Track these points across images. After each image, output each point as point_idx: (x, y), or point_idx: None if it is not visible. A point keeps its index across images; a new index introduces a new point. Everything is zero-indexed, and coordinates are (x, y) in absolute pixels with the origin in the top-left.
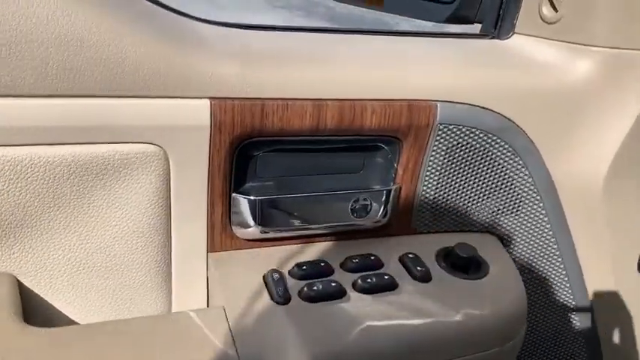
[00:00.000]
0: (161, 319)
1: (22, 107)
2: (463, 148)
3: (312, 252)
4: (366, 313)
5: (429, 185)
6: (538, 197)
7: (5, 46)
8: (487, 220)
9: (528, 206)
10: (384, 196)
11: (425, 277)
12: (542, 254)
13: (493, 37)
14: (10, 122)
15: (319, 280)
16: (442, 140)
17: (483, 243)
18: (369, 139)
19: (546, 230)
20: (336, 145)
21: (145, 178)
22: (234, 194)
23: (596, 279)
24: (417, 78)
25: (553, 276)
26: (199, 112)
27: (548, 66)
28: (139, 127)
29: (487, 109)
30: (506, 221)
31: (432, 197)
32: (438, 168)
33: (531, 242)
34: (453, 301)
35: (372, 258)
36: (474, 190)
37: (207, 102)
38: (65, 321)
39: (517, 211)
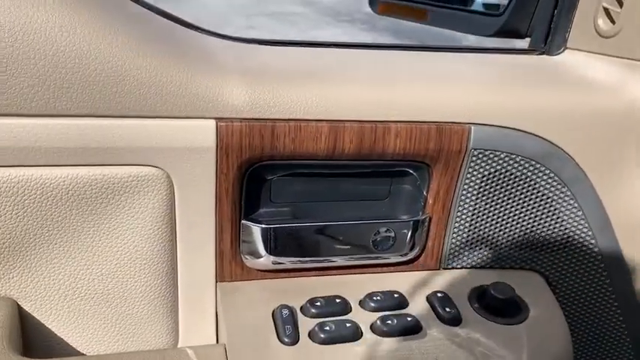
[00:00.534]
0: (156, 354)
1: (18, 127)
2: (501, 176)
3: (328, 286)
4: (381, 359)
5: (463, 216)
6: (589, 233)
7: (2, 64)
8: (529, 256)
9: (578, 242)
10: (411, 228)
11: (454, 320)
12: (593, 297)
13: (542, 53)
14: (6, 142)
15: (333, 319)
16: (477, 167)
17: (524, 282)
18: (395, 163)
19: (599, 270)
20: (359, 169)
21: (147, 203)
22: (244, 221)
23: None
24: (447, 97)
25: (605, 323)
26: (204, 133)
27: (602, 85)
28: (140, 148)
29: (529, 132)
30: (551, 258)
31: (465, 229)
32: (473, 197)
33: (581, 283)
34: (486, 349)
35: (396, 296)
36: (513, 222)
37: (212, 123)
38: (67, 349)
39: (564, 247)
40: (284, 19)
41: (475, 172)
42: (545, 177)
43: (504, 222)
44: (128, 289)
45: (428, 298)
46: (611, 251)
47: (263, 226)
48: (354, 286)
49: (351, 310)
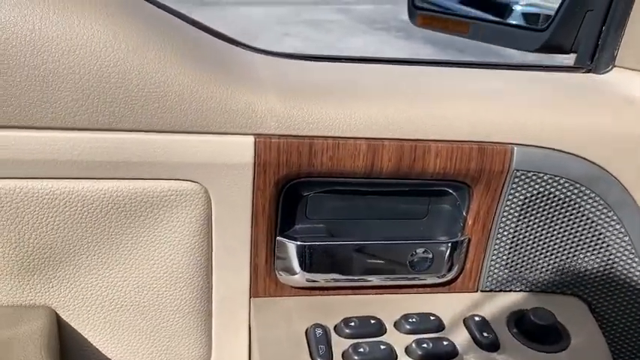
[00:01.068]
0: None
1: (62, 140)
2: (544, 198)
3: (364, 305)
4: None
5: (503, 238)
6: (636, 259)
7: (48, 78)
8: (571, 281)
9: (623, 268)
10: (449, 249)
11: (492, 346)
12: (638, 326)
13: (589, 71)
14: (49, 155)
15: (368, 340)
16: (519, 189)
17: (565, 308)
18: (434, 183)
19: None
20: (397, 187)
21: (185, 217)
22: (279, 238)
23: None
24: (490, 117)
25: None
26: (243, 149)
27: None
28: (179, 163)
29: (575, 154)
30: (594, 284)
31: (505, 252)
32: (514, 219)
33: (625, 311)
34: None
35: (432, 318)
36: (556, 246)
37: (251, 139)
38: (102, 359)
39: (609, 272)
40: (319, 27)
41: (517, 194)
42: (590, 200)
43: (546, 245)
44: (163, 301)
45: (465, 322)
46: None
47: (298, 243)
48: (389, 307)
49: (385, 332)
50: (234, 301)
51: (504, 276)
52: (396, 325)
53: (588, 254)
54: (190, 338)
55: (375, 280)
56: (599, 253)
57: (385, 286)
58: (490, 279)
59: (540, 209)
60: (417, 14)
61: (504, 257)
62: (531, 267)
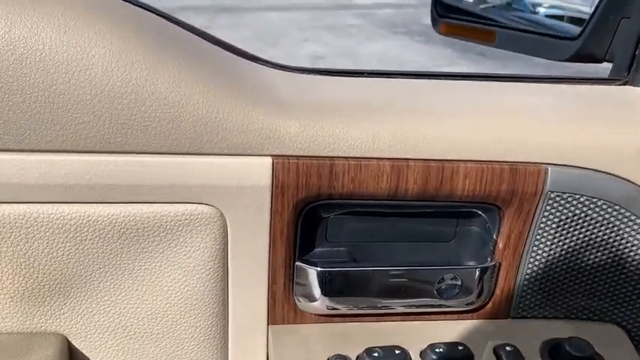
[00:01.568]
0: None
1: (71, 163)
2: (580, 221)
3: (387, 334)
4: None
5: (536, 262)
6: None
7: (59, 99)
8: (609, 307)
9: None
10: (479, 274)
11: None
12: None
13: (625, 83)
14: (59, 179)
15: None
16: (553, 211)
17: (603, 336)
18: (463, 205)
19: None
20: (423, 209)
21: (200, 241)
22: (298, 263)
23: None
24: (522, 135)
25: None
26: (260, 171)
27: None
28: (194, 186)
29: (613, 174)
30: (635, 310)
31: (538, 277)
32: (549, 243)
33: None
34: None
35: (460, 348)
36: (593, 270)
37: (268, 160)
38: None
39: None
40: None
41: (551, 217)
42: (630, 223)
43: (582, 270)
44: (177, 329)
45: (495, 351)
46: None
47: (319, 269)
48: (414, 335)
49: None
50: (251, 329)
51: (537, 302)
52: (422, 355)
53: (628, 279)
54: None
55: (399, 307)
56: (638, 277)
57: (410, 313)
58: (522, 305)
59: (576, 232)
60: (440, 22)
61: (537, 282)
62: (566, 292)
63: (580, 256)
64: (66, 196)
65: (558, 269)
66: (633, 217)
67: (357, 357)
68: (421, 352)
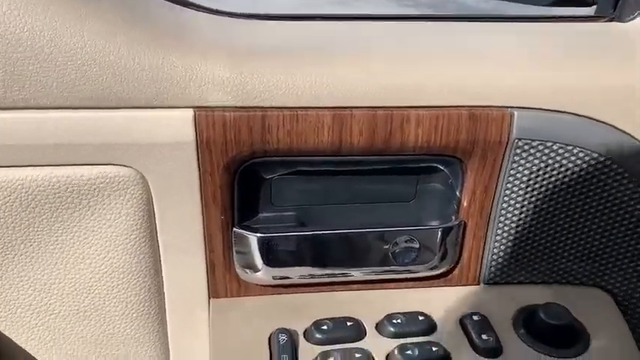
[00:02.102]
0: None
1: None
2: (555, 172)
3: (340, 305)
4: None
5: (507, 222)
6: None
7: None
8: (592, 270)
9: None
10: (440, 235)
11: (493, 351)
12: None
13: (612, 19)
14: None
15: (341, 347)
16: (522, 162)
17: (585, 302)
18: (419, 158)
19: None
20: (379, 165)
21: (121, 208)
22: (236, 229)
23: None
24: (483, 76)
25: None
26: (180, 126)
27: None
28: (106, 145)
29: (591, 118)
30: (621, 272)
31: (510, 237)
32: (519, 199)
33: None
34: None
35: (421, 318)
36: (572, 229)
37: (190, 113)
38: None
39: (638, 258)
40: None
41: (520, 168)
42: (612, 173)
43: (560, 229)
44: (107, 306)
45: (462, 322)
46: None
47: (259, 235)
48: (371, 306)
49: (365, 336)
50: (190, 304)
51: (510, 266)
52: (378, 327)
53: (612, 237)
54: (144, 346)
55: (354, 275)
56: (624, 235)
57: (367, 281)
58: (493, 269)
59: (550, 185)
60: None
61: (509, 244)
62: (543, 254)
63: (556, 212)
64: None
65: (532, 228)
66: (614, 166)
67: (305, 331)
68: (377, 324)
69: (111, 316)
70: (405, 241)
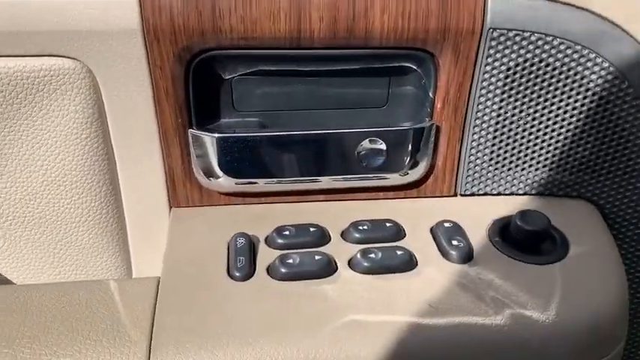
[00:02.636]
0: (74, 285)
1: None
2: (534, 68)
3: (306, 214)
4: (353, 301)
5: (484, 126)
6: None
7: None
8: (576, 179)
9: None
10: (411, 138)
11: (463, 256)
12: None
13: None
14: None
15: (300, 251)
16: (499, 56)
17: (568, 212)
18: (387, 53)
19: None
20: (345, 64)
21: (68, 104)
22: (192, 130)
23: None
24: None
25: None
26: (124, 11)
27: None
28: (45, 33)
29: (572, 4)
30: (607, 182)
31: (488, 143)
32: (497, 100)
33: None
34: (500, 294)
35: (389, 225)
36: (554, 133)
37: None
38: (1, 280)
39: (626, 166)
40: None
41: (497, 63)
42: (597, 68)
43: (541, 133)
44: (62, 212)
45: (432, 230)
46: None
47: (216, 135)
48: (338, 215)
49: (328, 242)
50: (150, 212)
51: (489, 175)
52: (344, 234)
53: (598, 142)
54: (104, 255)
55: (321, 181)
56: (611, 141)
57: (335, 190)
58: (470, 179)
59: (530, 83)
60: None
61: (487, 150)
62: (523, 162)
63: (537, 114)
64: None
65: (512, 133)
66: (599, 60)
67: (267, 237)
68: (343, 231)
69: (67, 223)
70: (372, 143)
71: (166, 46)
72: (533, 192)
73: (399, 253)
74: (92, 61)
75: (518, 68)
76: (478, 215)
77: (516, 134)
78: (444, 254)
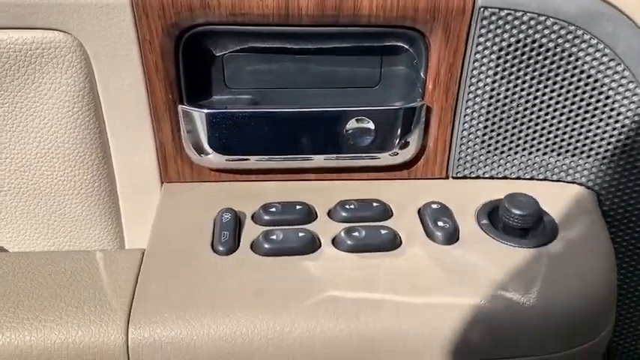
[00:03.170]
0: (60, 255)
1: None
2: (526, 49)
3: (295, 193)
4: (334, 278)
5: (476, 107)
6: None
7: None
8: (570, 164)
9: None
10: (401, 117)
11: (448, 237)
12: None
13: None
14: None
15: (284, 227)
16: (490, 36)
17: (561, 196)
18: (377, 32)
19: None
20: (336, 42)
21: (59, 77)
22: (182, 106)
23: None
24: None
25: None
26: None
27: None
28: (35, 5)
29: None
30: (602, 167)
31: (481, 125)
32: (489, 80)
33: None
34: (482, 275)
35: (376, 205)
36: (547, 116)
37: None
38: None
39: (622, 152)
40: None
41: (488, 44)
42: (591, 49)
43: (535, 116)
44: (55, 184)
45: (420, 211)
46: None
47: (205, 111)
48: (326, 193)
49: (314, 220)
50: (142, 186)
51: (481, 157)
52: (330, 213)
53: (592, 126)
54: (96, 227)
55: (311, 159)
56: (606, 124)
57: (325, 169)
58: (462, 161)
59: (523, 65)
60: None
61: (479, 132)
62: (516, 145)
63: (530, 97)
64: None
65: (504, 114)
66: (594, 41)
67: (254, 214)
68: (329, 210)
69: (60, 195)
70: (360, 122)
71: (155, 21)
72: (527, 176)
73: (383, 232)
74: (83, 34)
75: (511, 49)
76: (468, 198)
77: (509, 117)
78: (429, 235)
